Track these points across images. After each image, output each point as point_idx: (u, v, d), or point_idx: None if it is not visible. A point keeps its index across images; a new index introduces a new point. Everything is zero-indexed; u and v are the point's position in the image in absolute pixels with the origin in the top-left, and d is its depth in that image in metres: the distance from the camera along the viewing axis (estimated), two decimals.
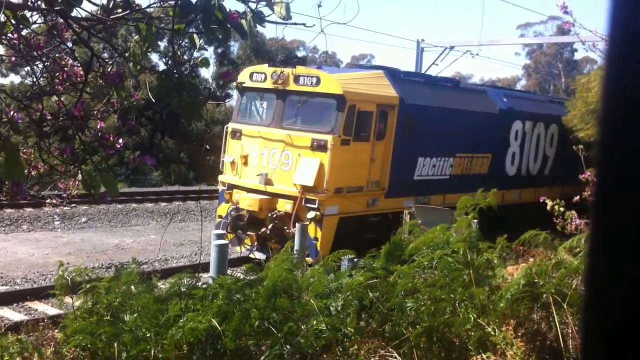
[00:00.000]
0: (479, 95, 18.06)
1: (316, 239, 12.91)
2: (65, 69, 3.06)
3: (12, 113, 3.05)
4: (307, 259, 11.54)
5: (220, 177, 14.52)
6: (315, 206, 12.88)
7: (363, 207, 13.94)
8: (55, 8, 2.66)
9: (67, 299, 6.86)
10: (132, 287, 6.28)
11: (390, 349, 5.51)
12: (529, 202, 18.41)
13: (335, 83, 13.20)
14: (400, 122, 14.36)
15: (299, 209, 12.98)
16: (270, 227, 13.16)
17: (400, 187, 14.68)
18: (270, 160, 13.54)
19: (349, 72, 15.65)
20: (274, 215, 13.15)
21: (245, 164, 13.97)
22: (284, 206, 13.16)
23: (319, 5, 2.99)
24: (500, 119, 18.09)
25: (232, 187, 14.05)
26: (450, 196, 15.95)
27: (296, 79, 13.48)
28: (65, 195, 3.50)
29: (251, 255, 13.44)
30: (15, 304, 10.73)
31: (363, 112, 13.50)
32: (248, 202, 13.36)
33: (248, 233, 13.54)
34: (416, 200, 15.42)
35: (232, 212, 13.71)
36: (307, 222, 12.66)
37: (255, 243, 13.58)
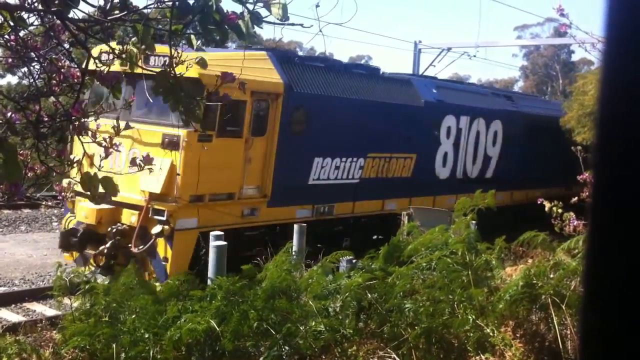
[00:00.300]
0: (401, 85, 15.49)
1: (166, 259, 10.43)
2: (62, 70, 3.06)
3: (9, 114, 3.05)
4: (156, 284, 10.02)
5: (65, 182, 11.66)
6: (164, 218, 10.39)
7: (236, 218, 11.40)
8: (52, 9, 2.65)
9: (66, 300, 6.86)
10: (131, 288, 6.27)
11: (389, 350, 5.51)
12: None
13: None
14: (288, 115, 11.96)
15: (145, 223, 10.47)
16: (109, 244, 10.59)
17: (290, 193, 12.18)
18: (116, 161, 10.62)
19: (219, 52, 11.95)
20: (114, 230, 10.66)
21: (92, 165, 10.57)
22: (129, 218, 10.68)
23: (317, 6, 2.99)
24: (427, 113, 15.57)
25: (77, 193, 11.63)
26: (362, 203, 14.04)
27: (146, 59, 10.30)
28: (60, 197, 3.50)
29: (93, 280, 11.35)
30: (13, 305, 10.73)
31: (231, 101, 10.73)
32: (84, 214, 10.82)
33: (86, 251, 10.99)
34: (314, 209, 12.88)
35: (72, 226, 11.24)
36: (153, 239, 10.38)
37: (100, 264, 10.93)
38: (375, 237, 14.44)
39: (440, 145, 16.31)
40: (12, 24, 2.82)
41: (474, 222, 7.24)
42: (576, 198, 8.19)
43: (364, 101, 13.80)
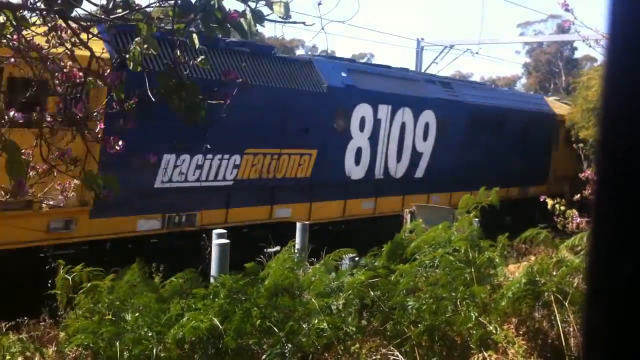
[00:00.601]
0: (298, 67, 12.79)
1: None
2: (65, 69, 3.07)
3: (12, 113, 3.06)
4: None
5: None
6: None
7: (38, 233, 8.87)
8: (55, 8, 2.66)
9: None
10: (134, 286, 6.28)
11: (391, 348, 5.51)
12: (390, 214, 14.11)
13: None
14: (116, 98, 8.57)
15: None
16: None
17: (126, 200, 9.04)
18: None
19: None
20: None
21: None
22: None
23: (319, 4, 3.00)
24: (331, 100, 12.96)
25: None
26: (239, 211, 11.50)
27: None
28: (61, 197, 3.52)
29: None
30: None
31: (24, 80, 7.81)
32: None
33: None
34: (165, 218, 10.41)
35: None
36: None
37: None
38: (267, 250, 11.14)
39: (352, 139, 13.67)
40: (14, 23, 2.82)
41: (477, 219, 7.24)
42: (579, 195, 8.20)
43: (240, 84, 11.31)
